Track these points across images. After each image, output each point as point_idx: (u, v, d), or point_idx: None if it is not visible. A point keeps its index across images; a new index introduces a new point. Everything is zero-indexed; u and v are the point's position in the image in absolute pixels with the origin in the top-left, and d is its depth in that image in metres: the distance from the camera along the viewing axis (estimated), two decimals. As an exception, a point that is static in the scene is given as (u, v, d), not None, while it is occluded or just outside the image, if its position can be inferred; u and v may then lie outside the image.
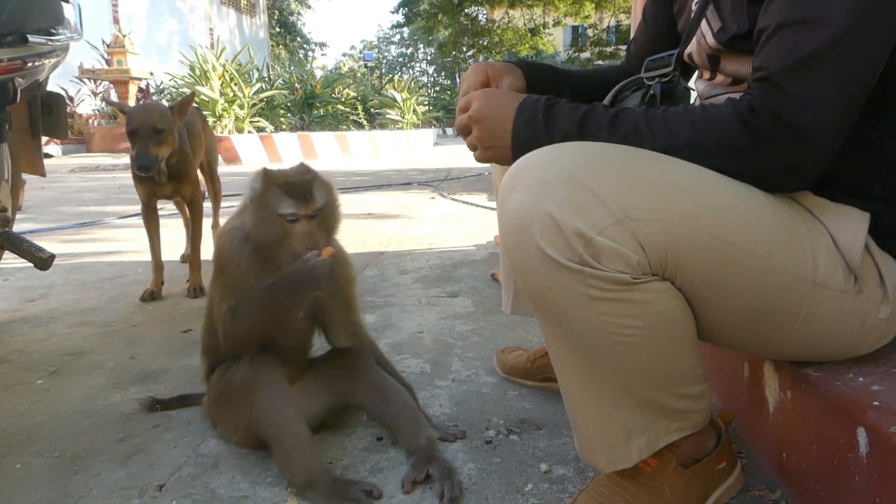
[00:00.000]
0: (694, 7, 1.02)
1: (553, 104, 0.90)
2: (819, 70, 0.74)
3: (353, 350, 1.27)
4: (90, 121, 12.00)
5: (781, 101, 0.76)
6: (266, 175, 1.10)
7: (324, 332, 1.29)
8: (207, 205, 2.76)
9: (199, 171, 2.56)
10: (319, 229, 1.12)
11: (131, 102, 11.48)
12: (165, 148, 2.14)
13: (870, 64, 0.75)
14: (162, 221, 2.45)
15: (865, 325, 0.86)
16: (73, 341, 1.86)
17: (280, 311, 1.13)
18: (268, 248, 1.11)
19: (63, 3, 1.71)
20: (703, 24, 0.97)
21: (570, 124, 0.87)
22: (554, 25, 20.30)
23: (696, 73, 1.09)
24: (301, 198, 1.08)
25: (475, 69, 1.11)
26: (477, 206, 4.68)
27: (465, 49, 22.69)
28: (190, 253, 2.51)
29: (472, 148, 0.99)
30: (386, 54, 50.99)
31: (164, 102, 11.96)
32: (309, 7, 39.35)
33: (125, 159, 9.49)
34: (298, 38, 39.94)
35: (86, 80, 12.01)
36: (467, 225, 3.91)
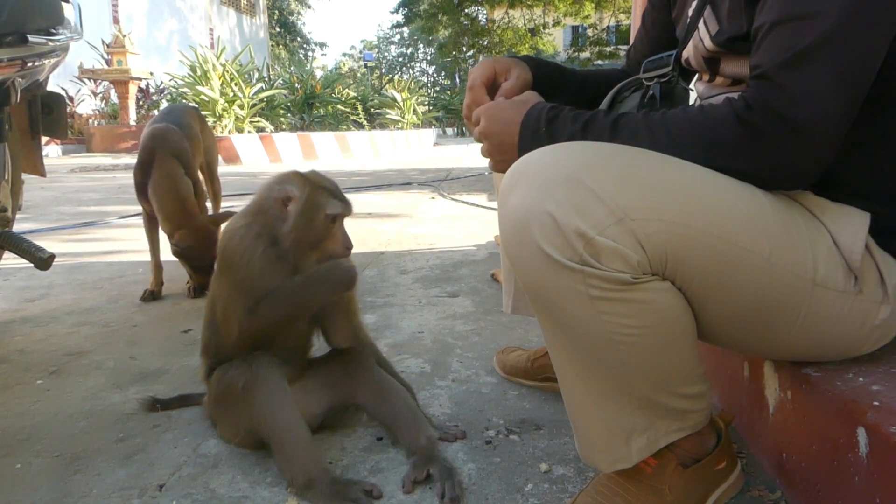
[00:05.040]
0: (690, 11, 1.02)
1: (555, 116, 0.90)
2: (814, 64, 0.74)
3: (354, 350, 1.27)
4: (90, 121, 12.00)
5: (776, 97, 0.76)
6: (305, 178, 1.13)
7: (323, 334, 1.29)
8: (207, 205, 2.76)
9: (198, 173, 2.56)
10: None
11: (131, 102, 11.49)
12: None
13: (866, 58, 0.75)
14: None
15: (865, 325, 0.86)
16: (73, 341, 1.86)
17: (307, 308, 1.16)
18: (302, 249, 1.13)
19: (63, 3, 1.71)
20: (701, 26, 0.97)
21: (573, 134, 0.87)
22: (554, 25, 20.32)
23: (696, 74, 1.09)
24: (344, 200, 1.14)
25: (482, 64, 1.12)
26: (477, 206, 4.68)
27: (465, 49, 22.71)
28: None
29: (486, 155, 1.01)
30: (386, 54, 51.02)
31: (164, 103, 11.97)
32: (309, 7, 39.38)
33: (125, 159, 9.49)
34: (298, 38, 39.99)
35: (86, 80, 12.02)
36: (467, 225, 3.91)
